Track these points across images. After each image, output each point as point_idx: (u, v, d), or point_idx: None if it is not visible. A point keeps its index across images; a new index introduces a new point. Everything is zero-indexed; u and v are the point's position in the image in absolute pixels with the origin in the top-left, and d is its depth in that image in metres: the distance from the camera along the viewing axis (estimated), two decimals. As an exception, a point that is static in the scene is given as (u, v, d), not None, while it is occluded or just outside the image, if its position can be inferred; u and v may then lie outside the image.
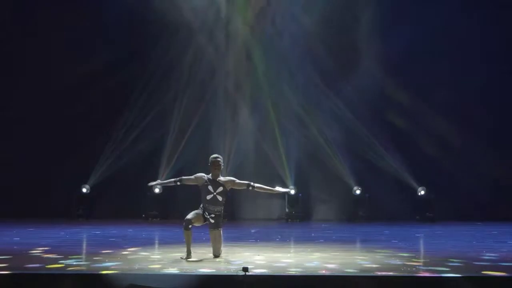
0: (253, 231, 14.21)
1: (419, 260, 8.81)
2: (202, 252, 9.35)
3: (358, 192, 17.87)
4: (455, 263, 8.46)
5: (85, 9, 17.69)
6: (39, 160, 17.38)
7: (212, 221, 8.95)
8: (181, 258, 8.84)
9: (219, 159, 9.07)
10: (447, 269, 7.83)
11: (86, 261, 8.61)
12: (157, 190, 17.71)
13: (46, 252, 9.38)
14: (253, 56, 18.54)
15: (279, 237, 12.99)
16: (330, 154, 18.07)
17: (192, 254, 8.90)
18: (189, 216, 8.84)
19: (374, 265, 8.13)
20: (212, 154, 9.23)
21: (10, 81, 17.93)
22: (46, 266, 7.94)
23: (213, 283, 7.09)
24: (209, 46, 18.41)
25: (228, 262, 8.51)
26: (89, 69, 17.39)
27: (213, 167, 9.00)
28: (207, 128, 18.20)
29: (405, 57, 17.59)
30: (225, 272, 7.51)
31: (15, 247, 10.11)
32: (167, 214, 17.73)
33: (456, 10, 17.53)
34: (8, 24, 17.88)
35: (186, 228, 8.80)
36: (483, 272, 7.65)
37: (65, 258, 8.63)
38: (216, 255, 8.96)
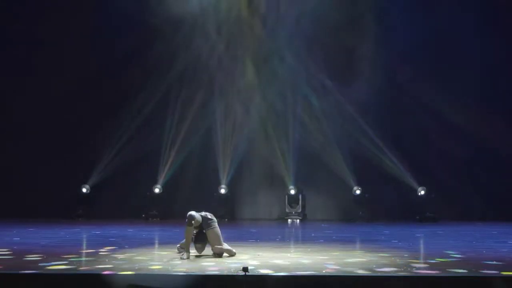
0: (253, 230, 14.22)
1: (419, 260, 8.80)
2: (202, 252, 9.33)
3: (358, 192, 17.87)
4: (455, 263, 8.46)
5: (85, 9, 17.69)
6: (39, 160, 17.37)
7: (210, 217, 9.05)
8: (181, 258, 8.87)
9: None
10: (447, 269, 7.83)
11: (86, 261, 8.61)
12: (157, 190, 17.71)
13: (47, 252, 9.36)
14: (253, 56, 18.54)
15: (279, 237, 12.98)
16: (330, 154, 18.06)
17: (190, 254, 8.94)
18: (194, 212, 8.89)
19: (374, 265, 8.12)
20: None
21: (10, 81, 17.93)
22: (46, 266, 7.93)
23: (213, 283, 7.09)
24: (209, 46, 18.40)
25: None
26: (89, 68, 17.41)
27: None
28: (206, 128, 18.21)
29: (406, 58, 17.60)
30: (225, 272, 7.50)
31: (15, 247, 10.10)
32: (167, 214, 17.73)
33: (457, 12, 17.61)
34: (8, 24, 17.90)
35: (189, 224, 8.84)
36: (481, 272, 7.65)
37: (65, 258, 8.62)
38: (218, 254, 8.96)
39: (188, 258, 8.77)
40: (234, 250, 9.08)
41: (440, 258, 8.97)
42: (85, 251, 10.00)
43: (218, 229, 9.08)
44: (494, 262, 8.49)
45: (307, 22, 18.09)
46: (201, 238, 9.09)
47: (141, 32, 17.58)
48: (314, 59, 18.13)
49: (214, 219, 9.18)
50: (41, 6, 17.79)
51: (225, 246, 9.05)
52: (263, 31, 18.56)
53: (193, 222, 8.84)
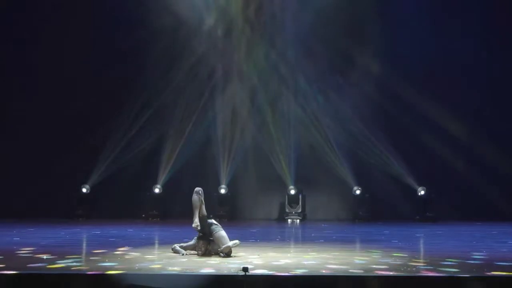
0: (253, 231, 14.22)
1: (419, 260, 8.81)
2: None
3: (358, 192, 17.86)
4: (455, 263, 8.46)
5: (84, 8, 17.69)
6: (39, 160, 17.37)
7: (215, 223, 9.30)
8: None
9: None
10: (447, 269, 7.83)
11: (86, 261, 8.61)
12: (157, 190, 17.71)
13: (46, 252, 9.36)
14: (253, 55, 18.53)
15: (279, 237, 12.99)
16: (331, 154, 18.06)
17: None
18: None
19: (374, 265, 8.13)
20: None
21: (9, 80, 17.93)
22: (46, 266, 7.93)
23: (213, 283, 7.09)
24: (208, 45, 18.40)
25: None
26: (88, 68, 17.41)
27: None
28: (206, 128, 18.21)
29: (407, 56, 17.60)
30: (225, 272, 7.51)
31: (15, 247, 10.11)
32: (167, 214, 17.73)
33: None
34: (8, 22, 17.92)
35: (197, 193, 9.04)
36: (482, 272, 7.65)
37: (65, 258, 8.62)
38: (227, 254, 8.98)
39: (197, 226, 8.94)
40: (237, 241, 9.17)
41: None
42: (85, 251, 10.00)
43: (223, 231, 9.18)
44: (494, 263, 8.51)
45: (310, 20, 18.05)
46: (204, 237, 9.17)
47: (141, 30, 17.55)
48: (315, 59, 18.11)
49: (219, 225, 9.36)
50: (41, 3, 17.78)
51: (231, 242, 9.10)
52: (264, 30, 18.52)
53: (200, 192, 9.05)
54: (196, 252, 9.22)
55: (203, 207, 9.28)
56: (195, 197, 9.18)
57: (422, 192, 17.60)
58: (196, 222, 9.03)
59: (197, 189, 9.27)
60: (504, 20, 17.93)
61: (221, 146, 18.00)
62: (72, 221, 16.83)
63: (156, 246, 11.13)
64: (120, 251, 9.67)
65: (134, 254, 9.34)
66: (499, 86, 18.01)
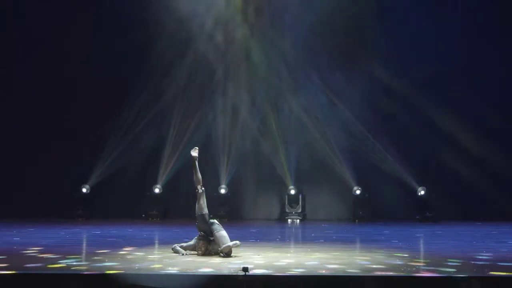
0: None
1: (419, 260, 8.81)
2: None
3: (358, 192, 17.86)
4: (455, 263, 8.46)
5: (83, 9, 17.69)
6: (39, 160, 17.37)
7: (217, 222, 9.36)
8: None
9: None
10: (447, 269, 7.84)
11: (86, 261, 8.61)
12: (157, 190, 17.71)
13: (46, 252, 9.36)
14: (253, 56, 18.54)
15: (279, 237, 12.99)
16: (330, 154, 18.06)
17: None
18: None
19: (374, 265, 8.13)
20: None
21: (10, 80, 17.94)
22: (46, 266, 7.93)
23: (213, 283, 7.10)
24: (209, 46, 18.40)
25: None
26: (89, 68, 17.41)
27: None
28: (206, 128, 18.21)
29: (407, 55, 17.61)
30: (225, 272, 7.51)
31: (15, 247, 10.11)
32: (167, 214, 17.74)
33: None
34: (7, 22, 17.93)
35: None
36: (480, 272, 7.65)
37: (65, 258, 8.63)
38: (227, 254, 8.97)
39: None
40: (238, 242, 9.14)
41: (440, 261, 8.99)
42: (85, 251, 10.00)
43: (224, 231, 9.20)
44: (493, 262, 8.51)
45: (310, 20, 18.04)
46: (204, 237, 9.19)
47: (141, 31, 17.55)
48: (316, 59, 18.11)
49: (220, 225, 9.38)
50: (42, 5, 17.78)
51: (231, 243, 9.09)
52: (264, 30, 18.52)
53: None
54: (196, 252, 9.22)
55: (204, 202, 9.32)
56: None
57: (422, 192, 17.60)
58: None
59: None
60: (505, 20, 17.96)
61: (221, 146, 18.00)
62: (72, 221, 16.83)
63: (156, 246, 11.13)
64: (120, 251, 9.67)
65: (134, 254, 9.33)
66: (500, 86, 18.02)
